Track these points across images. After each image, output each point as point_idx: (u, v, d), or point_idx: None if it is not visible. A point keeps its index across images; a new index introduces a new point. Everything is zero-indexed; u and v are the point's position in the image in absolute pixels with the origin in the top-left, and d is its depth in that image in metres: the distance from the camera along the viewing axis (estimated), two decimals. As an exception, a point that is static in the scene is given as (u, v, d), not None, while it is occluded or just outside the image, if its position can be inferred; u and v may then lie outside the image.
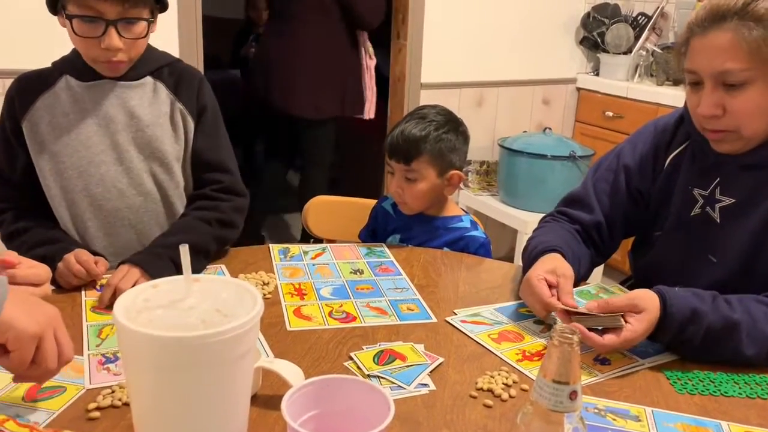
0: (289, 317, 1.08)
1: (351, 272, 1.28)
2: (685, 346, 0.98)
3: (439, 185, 1.43)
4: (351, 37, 2.85)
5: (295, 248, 1.38)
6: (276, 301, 1.13)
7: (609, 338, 0.96)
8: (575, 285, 1.23)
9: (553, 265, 1.10)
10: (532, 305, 1.10)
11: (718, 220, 1.12)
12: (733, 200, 1.10)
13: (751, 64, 0.99)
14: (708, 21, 1.02)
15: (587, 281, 1.28)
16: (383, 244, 1.43)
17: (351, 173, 4.10)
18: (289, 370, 0.79)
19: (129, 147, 1.28)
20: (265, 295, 1.16)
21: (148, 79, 1.30)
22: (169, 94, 1.32)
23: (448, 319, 1.11)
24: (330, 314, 1.10)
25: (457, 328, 1.07)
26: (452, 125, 1.43)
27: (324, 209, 1.65)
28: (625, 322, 0.97)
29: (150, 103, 1.30)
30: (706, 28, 1.02)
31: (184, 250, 0.61)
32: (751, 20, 0.98)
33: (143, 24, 1.20)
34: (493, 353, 1.00)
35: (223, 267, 1.26)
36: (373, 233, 1.53)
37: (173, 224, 1.31)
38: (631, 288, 1.23)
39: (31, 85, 1.27)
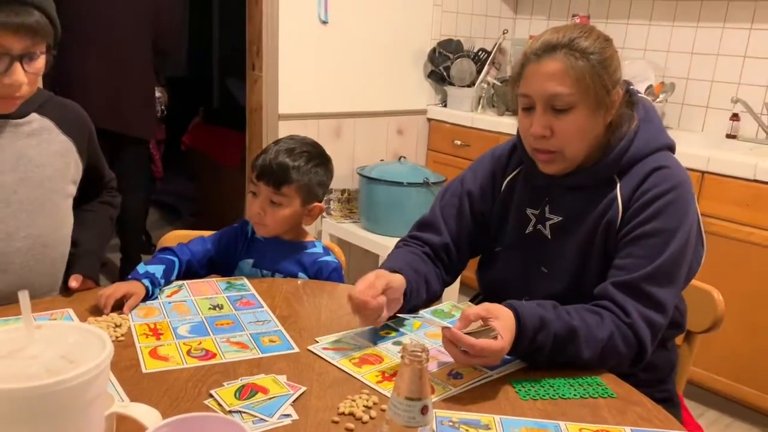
0: (145, 359, 1.04)
1: (210, 308, 1.26)
2: (538, 354, 1.07)
3: (300, 213, 1.47)
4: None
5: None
6: (130, 344, 1.09)
7: (483, 341, 1.01)
8: (429, 303, 1.31)
9: (376, 274, 1.15)
10: (357, 315, 1.14)
11: (550, 237, 1.25)
12: (561, 218, 1.23)
13: (575, 90, 1.13)
14: (542, 50, 1.15)
15: (440, 300, 1.36)
16: (243, 278, 1.42)
17: (209, 206, 4.02)
18: (145, 414, 0.76)
19: (16, 188, 1.23)
20: (117, 337, 1.11)
21: (36, 116, 1.26)
22: (60, 133, 1.30)
23: (310, 347, 1.12)
24: (188, 353, 1.07)
25: (319, 356, 1.09)
26: (322, 159, 1.49)
27: (179, 242, 1.61)
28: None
29: (40, 142, 1.26)
30: (540, 57, 1.15)
31: (24, 296, 0.58)
32: (577, 52, 1.12)
33: (44, 58, 1.17)
34: (355, 377, 1.03)
35: (71, 311, 1.19)
36: (220, 251, 1.49)
37: (85, 221, 1.41)
38: (480, 303, 1.32)
39: None
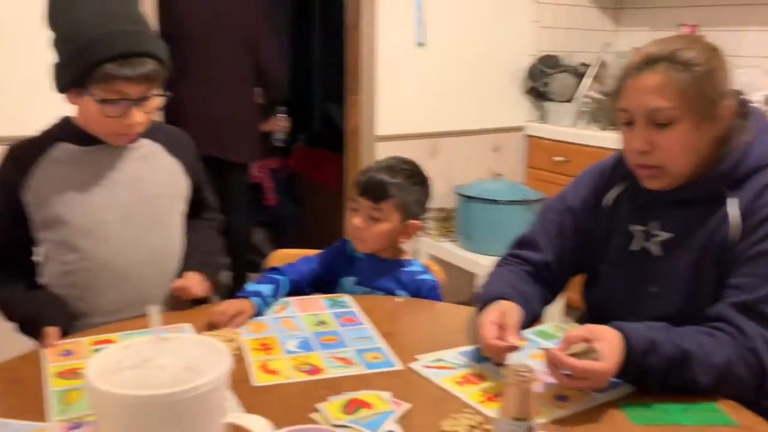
0: (256, 372, 1.09)
1: (315, 324, 1.30)
2: (648, 377, 1.02)
3: (399, 230, 1.49)
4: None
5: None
6: (241, 358, 1.14)
7: (585, 362, 0.98)
8: (531, 324, 1.28)
9: (499, 310, 1.15)
10: (485, 352, 1.13)
11: (659, 254, 1.19)
12: (671, 234, 1.18)
13: (677, 104, 1.08)
14: (642, 63, 1.11)
15: (542, 320, 1.33)
16: (346, 295, 1.45)
17: (311, 225, 4.13)
18: (258, 424, 0.80)
19: (134, 205, 1.34)
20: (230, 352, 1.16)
21: (146, 141, 1.38)
22: (168, 155, 1.41)
23: (412, 365, 1.13)
24: (296, 367, 1.11)
25: (421, 375, 1.10)
26: (420, 178, 1.53)
27: (287, 261, 1.67)
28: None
29: (151, 163, 1.37)
30: (640, 70, 1.11)
31: (154, 311, 0.63)
32: (677, 65, 1.08)
33: (157, 98, 1.28)
34: (457, 396, 1.03)
35: (187, 326, 1.27)
36: (325, 269, 1.54)
37: (193, 240, 1.47)
38: (586, 321, 1.28)
39: (27, 154, 1.30)
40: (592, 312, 1.35)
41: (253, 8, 3.01)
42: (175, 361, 0.64)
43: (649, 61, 1.11)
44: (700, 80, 1.08)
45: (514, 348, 1.08)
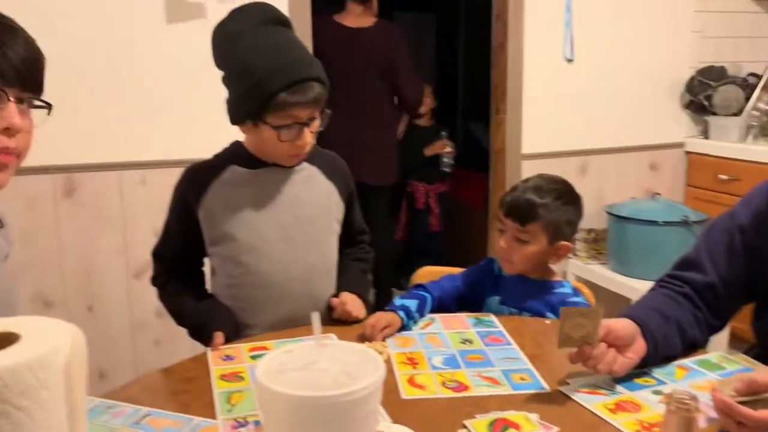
0: (404, 385, 1.12)
1: (460, 342, 1.30)
2: None
3: (547, 252, 1.46)
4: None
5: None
6: (389, 370, 1.17)
7: (765, 413, 0.86)
8: (690, 351, 1.19)
9: (608, 326, 1.09)
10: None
11: None
12: None
13: None
14: None
15: (705, 349, 1.24)
16: (491, 315, 1.44)
17: (456, 245, 4.14)
18: (406, 435, 0.82)
19: (293, 225, 1.43)
20: (379, 363, 1.20)
21: (306, 164, 1.46)
22: (325, 178, 1.49)
23: (562, 388, 1.10)
24: (443, 383, 1.12)
25: (572, 398, 1.07)
26: (570, 198, 1.48)
27: (431, 279, 1.70)
28: None
29: (310, 186, 1.46)
30: None
31: (316, 318, 0.67)
32: None
33: (320, 117, 1.38)
34: (610, 423, 0.98)
35: (333, 336, 1.32)
36: (469, 288, 1.54)
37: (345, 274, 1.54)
38: (756, 357, 1.18)
39: (202, 176, 1.43)
40: (762, 344, 1.23)
41: (390, 36, 3.07)
42: (334, 366, 0.68)
43: None
44: None
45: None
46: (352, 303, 1.41)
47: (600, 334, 1.06)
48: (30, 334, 0.61)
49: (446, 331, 1.36)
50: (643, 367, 1.14)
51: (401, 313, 1.35)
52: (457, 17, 5.24)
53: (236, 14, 1.36)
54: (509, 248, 1.45)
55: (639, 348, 1.11)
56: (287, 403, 0.61)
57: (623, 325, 1.11)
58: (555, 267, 1.52)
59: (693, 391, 1.07)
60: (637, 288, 2.56)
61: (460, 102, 5.48)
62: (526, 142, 2.93)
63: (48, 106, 0.98)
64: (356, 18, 3.02)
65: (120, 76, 2.26)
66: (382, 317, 1.32)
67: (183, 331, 1.43)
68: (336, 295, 1.44)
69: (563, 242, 1.46)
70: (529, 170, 2.88)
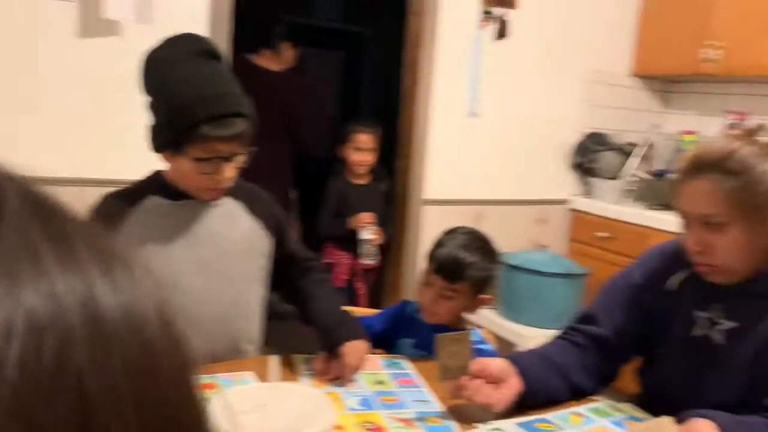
0: (322, 426, 1.13)
1: (374, 383, 1.33)
2: None
3: (471, 305, 1.52)
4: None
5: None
6: (306, 411, 1.18)
7: None
8: (579, 398, 1.31)
9: (484, 364, 1.20)
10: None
11: (721, 342, 1.21)
12: (736, 324, 1.20)
13: (726, 210, 1.12)
14: (691, 170, 1.16)
15: (596, 397, 1.34)
16: (403, 357, 1.49)
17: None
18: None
19: (212, 261, 1.39)
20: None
21: (227, 199, 1.43)
22: (247, 213, 1.46)
23: (472, 432, 1.16)
24: (360, 425, 1.14)
25: (481, 442, 1.12)
26: (494, 254, 1.54)
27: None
28: None
29: (231, 222, 1.43)
30: (689, 177, 1.16)
31: (273, 361, 0.68)
32: (725, 172, 1.11)
33: (244, 154, 1.36)
34: (518, 467, 1.05)
35: (250, 374, 1.31)
36: (383, 326, 1.58)
37: (318, 298, 1.49)
38: (641, 405, 1.30)
39: (120, 204, 1.37)
40: (648, 395, 1.36)
41: (295, 84, 3.03)
42: (287, 409, 0.69)
43: (698, 168, 1.14)
44: (750, 186, 1.10)
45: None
46: (359, 354, 1.35)
47: (475, 368, 1.18)
48: None
49: (360, 372, 1.38)
50: (523, 406, 1.23)
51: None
52: (362, 58, 5.40)
53: (169, 42, 1.34)
54: (435, 302, 1.49)
55: (513, 384, 1.22)
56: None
57: (497, 363, 1.22)
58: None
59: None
60: (522, 334, 2.71)
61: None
62: (427, 187, 3.05)
63: None
64: (266, 60, 3.03)
65: (21, 88, 2.14)
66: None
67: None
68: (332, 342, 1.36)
69: (483, 296, 1.53)
70: (429, 215, 3.01)
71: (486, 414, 1.19)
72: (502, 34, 3.05)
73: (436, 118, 2.98)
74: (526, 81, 3.16)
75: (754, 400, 1.14)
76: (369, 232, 2.74)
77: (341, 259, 2.88)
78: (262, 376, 1.30)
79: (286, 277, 1.54)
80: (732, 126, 3.04)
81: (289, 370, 1.32)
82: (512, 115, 3.14)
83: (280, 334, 1.58)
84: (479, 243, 1.53)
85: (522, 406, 1.23)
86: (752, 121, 2.94)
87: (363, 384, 1.33)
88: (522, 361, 1.26)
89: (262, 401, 0.69)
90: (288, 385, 0.74)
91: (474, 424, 1.19)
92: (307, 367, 1.33)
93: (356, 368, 1.34)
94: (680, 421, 1.00)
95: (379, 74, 5.14)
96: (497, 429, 1.18)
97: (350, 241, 2.79)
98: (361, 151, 2.88)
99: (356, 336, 1.37)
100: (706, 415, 1.04)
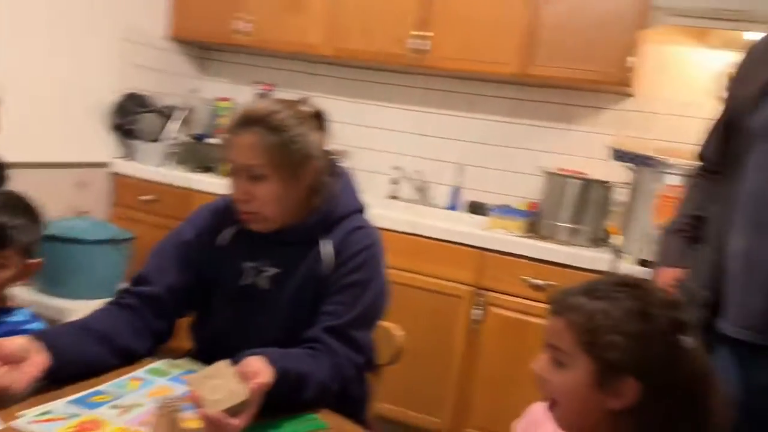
0: None
1: None
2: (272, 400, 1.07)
3: (20, 274, 1.38)
4: None
5: None
6: None
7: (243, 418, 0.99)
8: (133, 361, 1.29)
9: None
10: None
11: (267, 287, 1.35)
12: (279, 270, 1.35)
13: (266, 162, 1.27)
14: (238, 124, 1.27)
15: (153, 358, 1.34)
16: None
17: None
18: None
19: None
20: None
21: None
22: None
23: (14, 423, 1.02)
24: None
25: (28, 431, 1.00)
26: (38, 213, 1.41)
27: None
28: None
29: None
30: (237, 130, 1.27)
31: None
32: (267, 128, 1.26)
33: None
34: (76, 447, 0.98)
35: None
36: None
37: None
38: (195, 358, 1.35)
39: None
40: (202, 347, 1.42)
41: None
42: None
43: (246, 122, 1.27)
44: (286, 144, 1.27)
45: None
46: None
47: None
48: None
49: None
50: (60, 380, 1.14)
51: None
52: None
53: None
54: None
55: (36, 362, 1.09)
56: None
57: (14, 341, 1.08)
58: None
59: (149, 399, 1.17)
60: (68, 308, 2.50)
61: None
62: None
63: None
64: None
65: None
66: None
67: None
68: None
69: (33, 261, 1.38)
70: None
71: (5, 398, 1.06)
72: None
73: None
74: (57, 38, 2.85)
75: (296, 335, 1.30)
76: None
77: None
78: None
79: None
80: (261, 96, 3.35)
81: None
82: (42, 74, 2.81)
83: None
84: (21, 204, 1.38)
85: (59, 380, 1.13)
86: (291, 95, 3.29)
87: None
88: (49, 335, 1.16)
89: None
90: None
91: (17, 414, 1.05)
92: None
93: None
94: (236, 362, 1.08)
95: None
96: (46, 412, 1.07)
97: None
98: None
99: None
100: (256, 352, 1.13)
